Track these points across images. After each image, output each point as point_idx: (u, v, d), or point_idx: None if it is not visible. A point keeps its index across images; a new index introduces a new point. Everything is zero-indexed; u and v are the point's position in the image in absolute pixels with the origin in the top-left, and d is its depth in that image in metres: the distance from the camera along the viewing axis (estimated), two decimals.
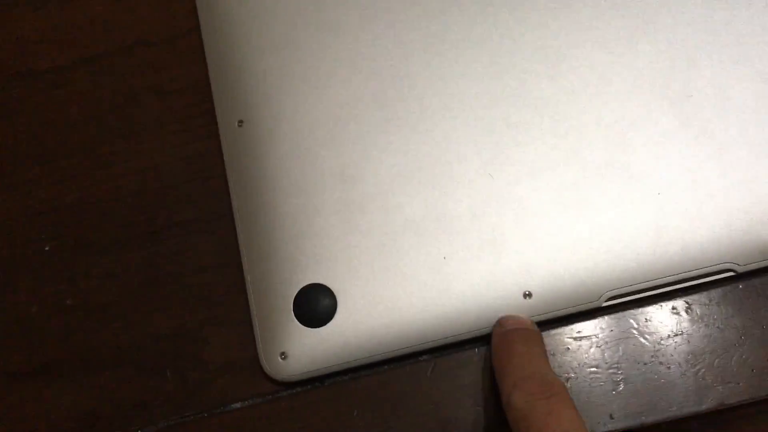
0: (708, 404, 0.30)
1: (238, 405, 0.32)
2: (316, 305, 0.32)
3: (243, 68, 0.36)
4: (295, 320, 0.32)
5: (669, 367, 0.31)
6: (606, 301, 0.31)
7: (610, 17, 0.34)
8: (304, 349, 0.32)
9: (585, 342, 0.31)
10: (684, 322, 0.31)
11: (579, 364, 0.31)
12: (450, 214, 0.32)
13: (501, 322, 0.31)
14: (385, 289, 0.32)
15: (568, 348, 0.31)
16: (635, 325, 0.31)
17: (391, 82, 0.34)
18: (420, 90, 0.34)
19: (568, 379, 0.31)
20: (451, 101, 0.34)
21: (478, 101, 0.34)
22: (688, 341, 0.31)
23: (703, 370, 0.30)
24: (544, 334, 0.32)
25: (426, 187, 0.33)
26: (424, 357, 0.32)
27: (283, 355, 0.32)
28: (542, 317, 0.31)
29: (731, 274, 0.31)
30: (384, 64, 0.35)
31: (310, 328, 0.32)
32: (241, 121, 0.35)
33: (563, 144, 0.33)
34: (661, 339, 0.31)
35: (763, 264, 0.31)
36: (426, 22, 0.35)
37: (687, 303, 0.31)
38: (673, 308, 0.31)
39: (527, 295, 0.31)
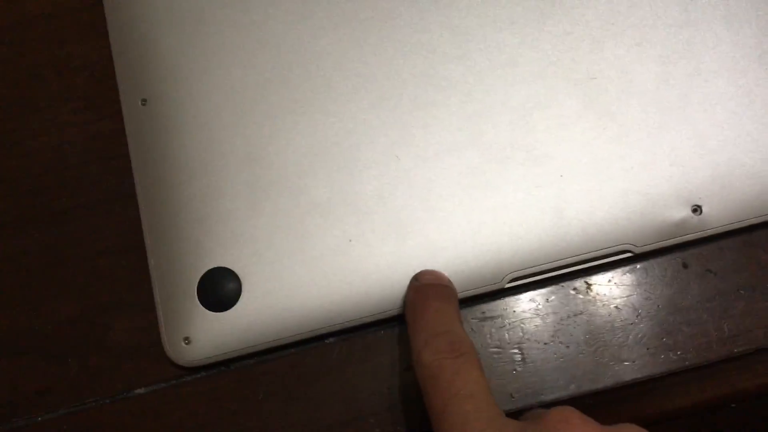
0: (605, 382, 0.31)
1: (141, 390, 0.32)
2: (220, 289, 0.32)
3: (146, 44, 0.35)
4: (199, 304, 0.32)
5: (568, 347, 0.31)
6: (509, 282, 0.32)
7: None
8: (208, 333, 0.32)
9: (488, 323, 0.32)
10: (584, 302, 0.32)
11: (482, 345, 0.31)
12: (356, 196, 0.32)
13: (417, 276, 0.31)
14: (291, 271, 0.32)
15: (472, 329, 0.32)
16: (537, 306, 0.32)
17: (300, 61, 0.34)
18: (328, 69, 0.34)
19: None
20: (359, 81, 0.33)
21: (386, 82, 0.33)
22: (588, 321, 0.32)
23: (601, 348, 0.31)
24: None
25: (333, 169, 0.33)
26: (331, 339, 0.32)
27: (187, 340, 0.31)
28: None
29: (629, 255, 0.32)
30: (293, 43, 0.34)
31: (214, 312, 0.32)
32: (144, 100, 0.34)
33: (469, 125, 0.33)
34: (562, 319, 0.32)
35: (658, 245, 0.31)
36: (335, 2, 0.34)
37: (587, 283, 0.32)
38: (574, 288, 0.32)
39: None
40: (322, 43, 0.34)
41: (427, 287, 0.30)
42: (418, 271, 0.31)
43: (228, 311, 0.32)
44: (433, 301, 0.29)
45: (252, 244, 0.32)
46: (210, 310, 0.32)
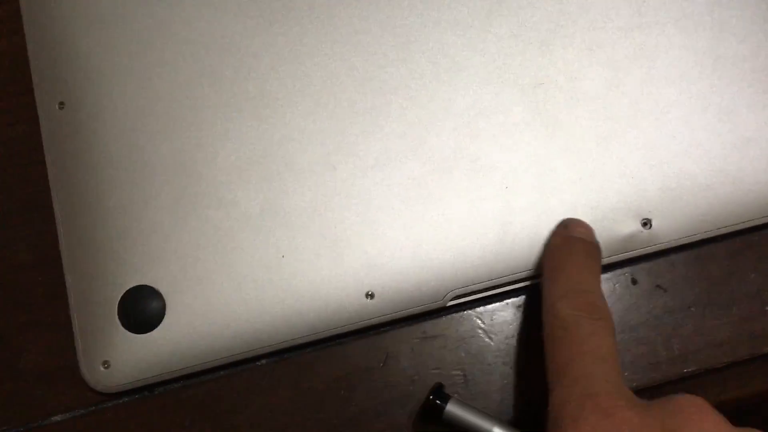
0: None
1: (58, 417, 0.30)
2: (142, 309, 0.30)
3: (64, 43, 0.32)
4: (120, 325, 0.30)
5: (511, 367, 0.30)
6: (451, 300, 0.30)
7: None
8: (129, 356, 0.29)
9: (429, 343, 0.30)
10: (528, 319, 0.30)
11: (423, 367, 0.30)
12: (290, 208, 0.30)
13: (567, 224, 0.29)
14: (219, 290, 0.30)
15: (413, 349, 0.30)
16: (481, 324, 0.30)
17: (231, 63, 0.32)
18: (261, 72, 0.31)
19: (413, 381, 0.30)
20: (295, 85, 0.31)
21: (322, 86, 0.31)
22: (533, 338, 0.30)
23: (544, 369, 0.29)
24: (388, 336, 0.30)
25: (265, 180, 0.30)
26: (263, 361, 0.30)
27: (106, 364, 0.29)
28: (385, 318, 0.30)
29: None
30: (224, 44, 0.32)
31: (136, 334, 0.30)
32: (62, 103, 0.32)
33: (410, 133, 0.31)
34: (506, 338, 0.30)
35: (607, 260, 0.30)
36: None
37: (533, 301, 0.30)
38: (519, 306, 0.30)
39: (369, 295, 0.30)
40: (255, 43, 0.32)
41: (575, 240, 0.28)
42: (367, 287, 0.29)
43: (151, 333, 0.30)
44: (578, 255, 0.28)
45: (177, 261, 0.30)
46: (131, 331, 0.30)
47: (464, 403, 0.28)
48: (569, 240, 0.28)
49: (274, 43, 0.32)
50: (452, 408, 0.27)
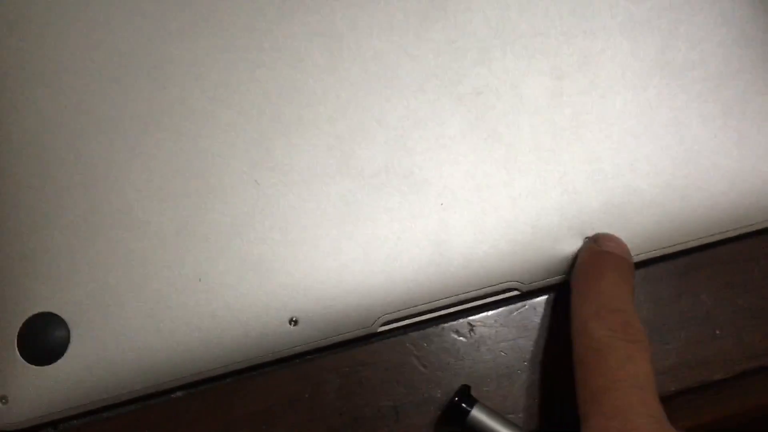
0: None
1: None
2: (44, 338, 0.27)
3: None
4: (19, 357, 0.27)
5: (445, 398, 0.28)
6: (381, 326, 0.28)
7: (397, 0, 0.30)
8: (30, 390, 0.27)
9: (359, 372, 0.28)
10: (466, 346, 0.28)
11: (352, 397, 0.28)
12: (208, 228, 0.28)
13: (597, 239, 0.27)
14: (130, 317, 0.27)
15: (341, 379, 0.28)
16: (414, 351, 0.28)
17: (146, 70, 0.29)
18: (179, 81, 0.29)
19: (341, 413, 0.28)
20: (215, 95, 0.29)
21: (245, 95, 0.29)
22: (471, 367, 0.28)
23: (485, 400, 0.27)
24: (314, 364, 0.28)
25: (181, 197, 0.28)
26: (179, 393, 0.28)
27: (4, 400, 0.27)
28: (310, 346, 0.28)
29: (516, 293, 0.28)
30: (138, 50, 0.29)
31: (37, 366, 0.27)
32: None
33: (339, 146, 0.29)
34: (442, 366, 0.28)
35: (548, 282, 0.28)
36: (189, 1, 0.30)
37: (470, 325, 0.28)
38: (456, 331, 0.28)
39: (293, 321, 0.28)
40: (172, 49, 0.29)
41: (607, 255, 0.26)
42: (290, 312, 0.27)
43: (54, 364, 0.27)
44: (611, 271, 0.26)
45: (84, 286, 0.27)
46: (32, 363, 0.27)
47: (491, 410, 0.26)
48: (600, 255, 0.27)
49: (193, 49, 0.29)
50: (477, 413, 0.25)
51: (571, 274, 0.27)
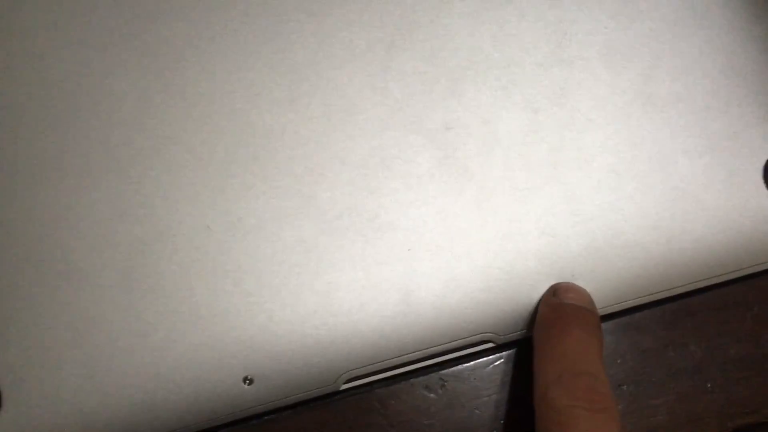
0: None
1: None
2: None
3: None
4: None
5: None
6: (345, 383, 0.26)
7: (359, 28, 0.28)
8: None
9: None
10: (437, 403, 0.26)
11: None
12: (154, 279, 0.26)
13: (556, 290, 0.25)
14: (68, 377, 0.25)
15: None
16: (381, 410, 0.26)
17: (88, 104, 0.27)
18: (124, 116, 0.27)
19: None
20: (164, 132, 0.27)
21: (196, 132, 0.27)
22: (442, 427, 0.26)
23: None
24: (272, 425, 0.26)
25: (125, 245, 0.26)
26: None
27: None
28: (267, 406, 0.25)
29: (490, 345, 0.26)
30: (80, 82, 0.27)
31: None
32: None
33: (299, 187, 0.26)
34: (411, 425, 0.26)
35: (524, 334, 0.26)
36: (136, 29, 0.27)
37: (442, 380, 0.26)
38: (426, 387, 0.26)
39: (248, 380, 0.25)
40: (115, 83, 0.27)
41: (570, 308, 0.24)
42: (244, 370, 0.25)
43: None
44: (575, 327, 0.24)
45: (17, 343, 0.25)
46: None
47: None
48: (561, 308, 0.25)
49: (139, 83, 0.27)
50: None
51: (533, 331, 0.25)
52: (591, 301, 0.25)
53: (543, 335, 0.24)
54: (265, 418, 0.26)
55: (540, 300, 0.25)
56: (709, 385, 0.26)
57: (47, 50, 0.27)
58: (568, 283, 0.26)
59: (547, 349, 0.24)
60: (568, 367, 0.23)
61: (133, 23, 0.27)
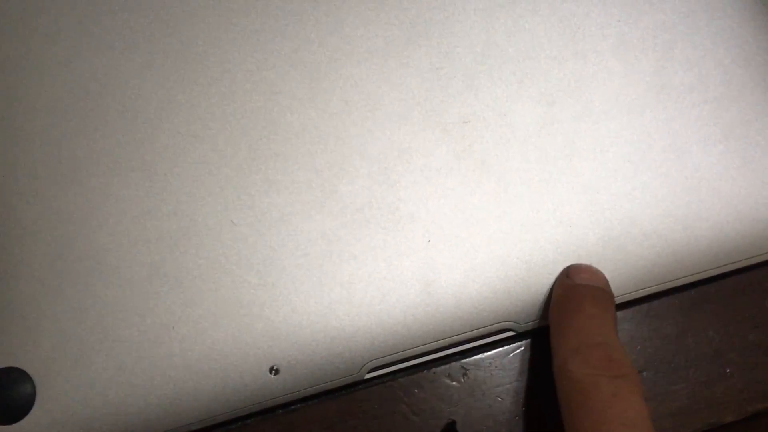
0: None
1: None
2: (8, 395, 0.25)
3: None
4: None
5: None
6: (368, 372, 0.26)
7: (378, 26, 0.28)
8: None
9: (345, 422, 0.26)
10: (460, 391, 0.26)
11: None
12: (182, 273, 0.26)
13: (569, 272, 0.26)
14: (99, 370, 0.26)
15: (326, 430, 0.26)
16: (404, 399, 0.26)
17: (114, 106, 0.28)
18: (150, 115, 0.28)
19: None
20: (188, 130, 0.27)
21: (220, 129, 0.27)
22: (464, 414, 0.26)
23: None
24: (298, 414, 0.26)
25: (153, 241, 0.26)
26: None
27: None
28: (293, 396, 0.26)
29: (511, 333, 0.26)
30: (106, 83, 0.28)
31: (0, 425, 0.25)
32: None
33: (320, 182, 0.27)
34: (434, 413, 0.26)
35: (544, 322, 0.26)
36: (160, 32, 0.28)
37: (464, 368, 0.27)
38: (448, 375, 0.27)
39: (274, 370, 0.26)
40: (142, 84, 0.28)
41: (582, 287, 0.25)
42: (271, 361, 0.25)
43: (19, 423, 0.25)
44: (588, 305, 0.24)
45: (50, 338, 0.26)
46: None
47: None
48: (573, 288, 0.25)
49: (164, 84, 0.28)
50: None
51: (549, 312, 0.25)
52: (604, 279, 0.25)
53: (557, 315, 0.25)
54: (291, 407, 0.26)
55: (554, 282, 0.26)
56: (727, 370, 0.27)
57: (74, 55, 0.28)
58: (580, 264, 0.26)
59: (563, 326, 0.24)
60: (584, 340, 0.23)
61: (156, 26, 0.28)
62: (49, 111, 0.27)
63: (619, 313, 0.27)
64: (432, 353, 0.26)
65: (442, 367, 0.27)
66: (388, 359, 0.26)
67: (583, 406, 0.22)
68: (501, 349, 0.27)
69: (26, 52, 0.28)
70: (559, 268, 0.26)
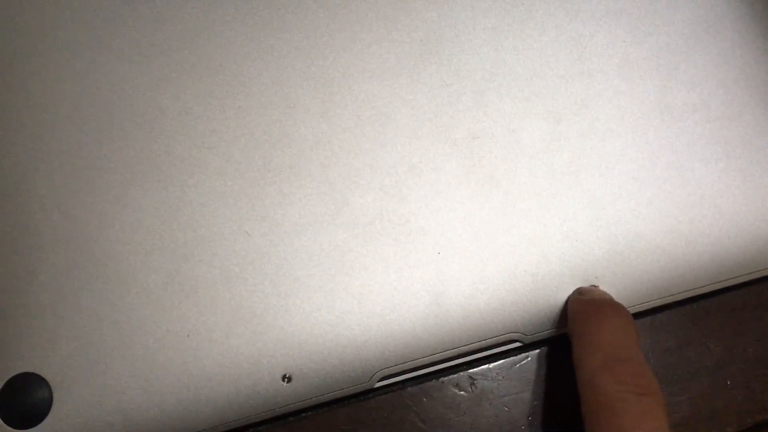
0: None
1: None
2: (25, 400, 0.26)
3: None
4: None
5: None
6: (379, 381, 0.27)
7: (390, 43, 0.29)
8: None
9: (354, 430, 0.27)
10: (467, 400, 0.27)
11: None
12: (197, 281, 0.27)
13: (581, 291, 0.26)
14: (115, 376, 0.26)
15: None
16: (413, 407, 0.27)
17: (132, 116, 0.28)
18: (166, 128, 0.28)
19: None
20: (203, 142, 0.28)
21: (234, 142, 0.28)
22: (472, 423, 0.27)
23: None
24: (309, 422, 0.27)
25: (169, 249, 0.27)
26: None
27: None
28: (305, 403, 0.26)
29: (518, 344, 0.27)
30: (123, 95, 0.28)
31: (18, 430, 0.26)
32: None
33: (332, 194, 0.28)
34: (442, 422, 0.27)
35: (550, 334, 0.27)
36: (177, 46, 0.29)
37: (471, 378, 0.27)
38: (456, 385, 0.27)
39: (287, 378, 0.26)
40: (158, 96, 0.29)
41: (600, 302, 0.25)
42: (283, 368, 0.26)
43: (36, 427, 0.26)
44: (611, 317, 0.24)
45: (67, 344, 0.26)
46: (12, 426, 0.26)
47: None
48: (593, 303, 0.25)
49: (180, 96, 0.28)
50: None
51: (567, 326, 0.26)
52: (612, 299, 0.26)
53: (580, 328, 0.25)
54: (302, 415, 0.27)
55: (567, 301, 0.26)
56: (728, 383, 0.27)
57: (93, 67, 0.28)
58: (590, 287, 0.27)
59: (588, 340, 0.24)
60: (612, 354, 0.23)
61: (174, 41, 0.29)
62: (69, 121, 0.28)
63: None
64: (441, 363, 0.27)
65: (451, 376, 0.27)
66: (398, 368, 0.27)
67: (611, 423, 0.22)
68: (508, 359, 0.27)
69: (46, 64, 0.28)
70: (566, 281, 0.27)
